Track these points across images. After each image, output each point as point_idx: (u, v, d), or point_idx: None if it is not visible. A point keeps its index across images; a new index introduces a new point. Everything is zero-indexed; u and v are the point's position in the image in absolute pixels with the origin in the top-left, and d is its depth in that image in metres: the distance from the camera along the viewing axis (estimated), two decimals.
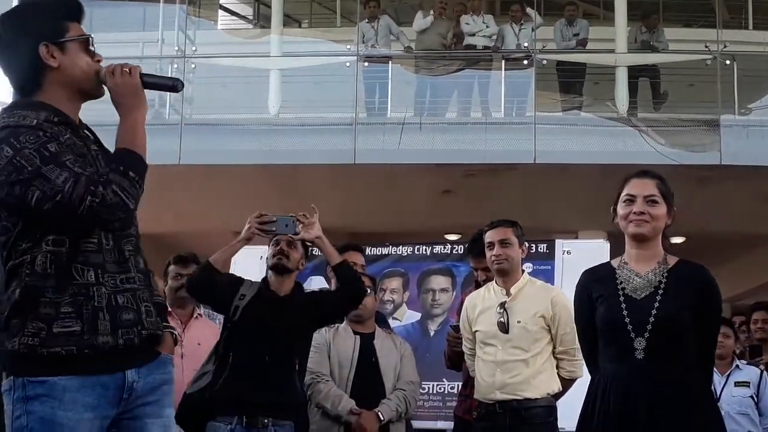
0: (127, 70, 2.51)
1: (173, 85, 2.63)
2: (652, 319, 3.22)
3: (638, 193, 3.35)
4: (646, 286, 3.31)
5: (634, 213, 3.32)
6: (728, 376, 6.12)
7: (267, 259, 4.57)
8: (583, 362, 3.67)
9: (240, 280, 4.54)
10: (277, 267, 4.47)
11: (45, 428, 2.35)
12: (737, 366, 6.19)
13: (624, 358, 3.24)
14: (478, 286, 5.16)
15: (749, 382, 6.12)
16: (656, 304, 3.26)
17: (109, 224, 2.41)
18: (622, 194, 3.38)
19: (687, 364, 3.25)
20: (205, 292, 4.54)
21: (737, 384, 6.11)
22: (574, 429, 3.38)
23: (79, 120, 2.57)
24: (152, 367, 2.50)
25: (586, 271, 3.54)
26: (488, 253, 4.63)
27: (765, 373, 6.25)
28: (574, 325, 3.69)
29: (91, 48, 2.55)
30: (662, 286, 3.30)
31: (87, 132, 2.58)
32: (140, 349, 2.45)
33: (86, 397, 2.36)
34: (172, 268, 5.13)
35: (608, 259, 3.60)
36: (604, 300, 3.35)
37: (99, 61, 2.57)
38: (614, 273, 3.38)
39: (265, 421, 4.18)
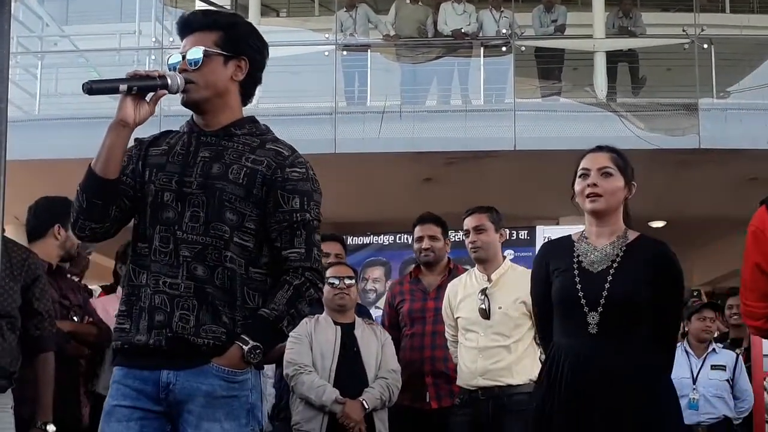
0: None
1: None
2: (605, 293, 3.11)
3: (591, 166, 3.27)
4: (603, 259, 3.18)
5: (588, 186, 3.22)
6: (704, 359, 6.14)
7: None
8: None
9: None
10: None
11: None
12: (714, 349, 6.22)
13: (577, 333, 3.13)
14: (410, 275, 5.32)
15: (725, 366, 6.14)
16: (609, 278, 3.14)
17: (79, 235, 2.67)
18: (578, 170, 3.31)
19: (644, 344, 3.11)
20: None
21: (713, 367, 6.12)
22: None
23: None
24: (191, 374, 2.49)
25: (545, 243, 3.54)
26: (465, 241, 4.66)
27: (740, 357, 6.28)
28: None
29: None
30: (618, 260, 3.17)
31: None
32: (171, 352, 2.48)
33: (126, 388, 2.53)
34: None
35: None
36: (560, 273, 3.23)
37: None
38: (573, 246, 3.27)
39: None
